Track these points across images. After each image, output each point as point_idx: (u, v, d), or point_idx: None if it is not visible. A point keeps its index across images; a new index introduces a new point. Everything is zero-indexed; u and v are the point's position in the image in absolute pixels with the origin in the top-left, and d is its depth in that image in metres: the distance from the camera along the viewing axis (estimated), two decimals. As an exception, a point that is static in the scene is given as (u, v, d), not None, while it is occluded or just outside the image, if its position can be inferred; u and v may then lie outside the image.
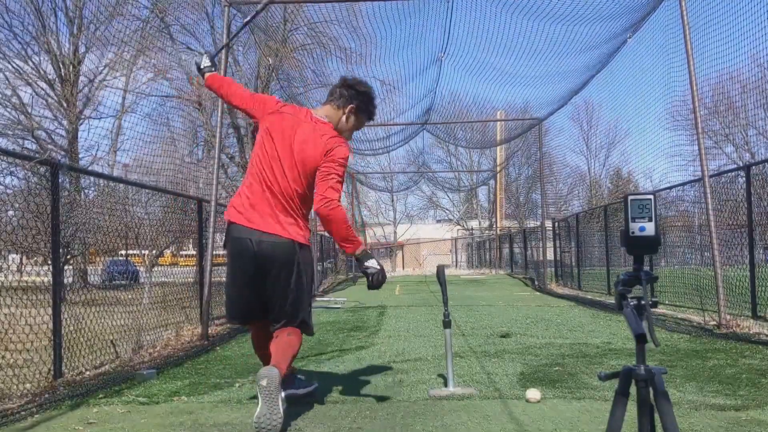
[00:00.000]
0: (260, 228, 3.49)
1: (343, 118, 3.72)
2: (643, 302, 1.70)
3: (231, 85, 4.01)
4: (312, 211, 3.64)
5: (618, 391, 1.75)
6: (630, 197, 1.77)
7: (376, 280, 3.51)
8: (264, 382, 3.19)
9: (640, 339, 1.67)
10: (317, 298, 12.81)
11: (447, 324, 4.05)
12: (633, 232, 1.77)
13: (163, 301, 6.97)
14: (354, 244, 3.51)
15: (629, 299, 1.73)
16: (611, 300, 10.68)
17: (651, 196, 1.78)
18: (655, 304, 1.76)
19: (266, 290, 3.56)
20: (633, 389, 1.75)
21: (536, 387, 3.90)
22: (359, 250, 3.51)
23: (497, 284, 18.54)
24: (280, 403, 3.20)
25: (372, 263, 3.51)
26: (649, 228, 1.76)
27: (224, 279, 4.15)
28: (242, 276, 3.59)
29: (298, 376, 4.02)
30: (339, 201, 3.47)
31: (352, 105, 3.71)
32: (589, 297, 11.65)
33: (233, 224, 3.56)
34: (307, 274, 3.59)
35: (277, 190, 3.52)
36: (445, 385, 4.05)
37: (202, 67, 4.01)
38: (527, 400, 3.69)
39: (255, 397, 3.88)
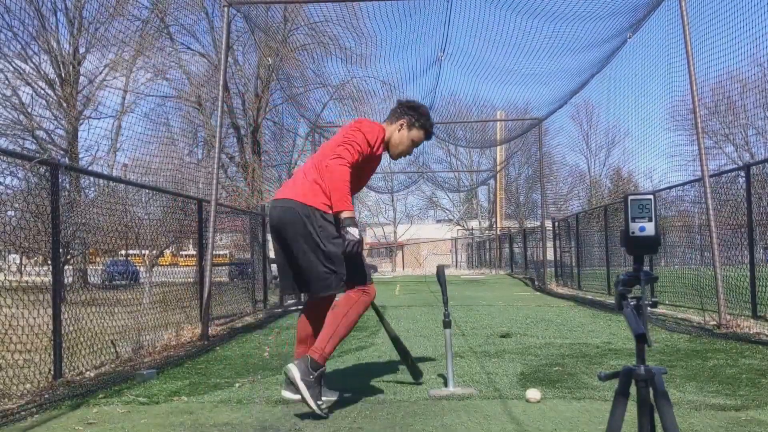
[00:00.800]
0: (277, 196, 3.80)
1: (396, 132, 3.98)
2: (641, 302, 1.70)
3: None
4: None
5: (618, 391, 1.75)
6: (630, 197, 1.76)
7: (351, 248, 3.55)
8: (284, 387, 3.46)
9: (641, 339, 1.66)
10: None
11: (447, 324, 4.06)
12: (633, 232, 1.76)
13: (163, 301, 6.97)
14: (346, 204, 3.55)
15: (629, 299, 1.73)
16: (611, 300, 10.68)
17: (651, 196, 1.77)
18: (654, 305, 1.75)
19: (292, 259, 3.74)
20: (632, 389, 1.75)
21: (536, 387, 3.90)
22: (347, 214, 3.55)
23: (497, 284, 18.53)
24: (308, 394, 3.38)
25: (354, 231, 3.57)
26: (649, 228, 1.75)
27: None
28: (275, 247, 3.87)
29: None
30: (348, 163, 3.56)
31: (403, 120, 3.99)
32: (589, 297, 11.65)
33: None
34: (320, 237, 3.60)
35: (309, 165, 3.80)
36: (445, 385, 4.05)
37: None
38: (527, 400, 3.70)
39: (255, 397, 3.89)
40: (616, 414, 1.74)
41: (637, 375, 1.72)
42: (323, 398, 3.58)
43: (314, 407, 3.38)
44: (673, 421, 1.65)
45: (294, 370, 3.43)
